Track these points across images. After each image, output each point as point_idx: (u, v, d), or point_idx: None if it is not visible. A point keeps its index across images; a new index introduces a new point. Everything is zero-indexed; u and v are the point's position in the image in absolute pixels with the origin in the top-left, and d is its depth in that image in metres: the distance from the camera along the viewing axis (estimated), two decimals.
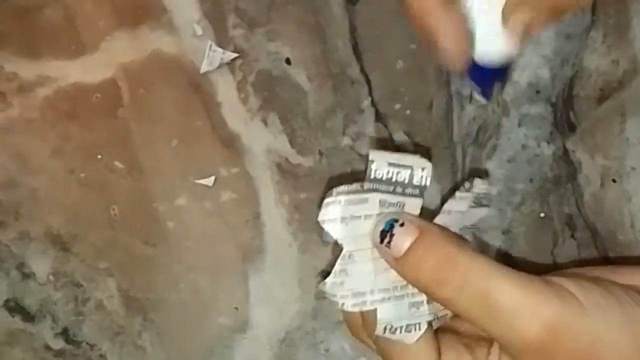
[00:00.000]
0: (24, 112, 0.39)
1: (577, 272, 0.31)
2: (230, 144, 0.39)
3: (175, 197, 0.39)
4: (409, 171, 0.30)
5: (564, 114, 0.38)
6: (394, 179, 0.30)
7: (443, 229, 0.30)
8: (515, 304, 0.27)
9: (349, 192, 0.30)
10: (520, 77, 0.38)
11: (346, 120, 0.39)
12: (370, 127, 0.39)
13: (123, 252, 0.39)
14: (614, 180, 0.38)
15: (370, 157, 0.30)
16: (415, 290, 0.30)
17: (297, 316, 0.39)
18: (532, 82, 0.38)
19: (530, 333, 0.27)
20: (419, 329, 0.30)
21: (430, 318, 0.31)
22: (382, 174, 0.30)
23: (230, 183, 0.39)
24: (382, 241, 0.29)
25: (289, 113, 0.39)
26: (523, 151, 0.39)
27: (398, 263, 0.29)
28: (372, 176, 0.30)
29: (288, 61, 0.39)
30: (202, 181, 0.39)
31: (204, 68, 0.39)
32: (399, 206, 0.30)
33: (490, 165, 0.39)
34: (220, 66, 0.39)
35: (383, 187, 0.30)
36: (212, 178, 0.39)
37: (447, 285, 0.28)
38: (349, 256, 0.30)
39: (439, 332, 0.32)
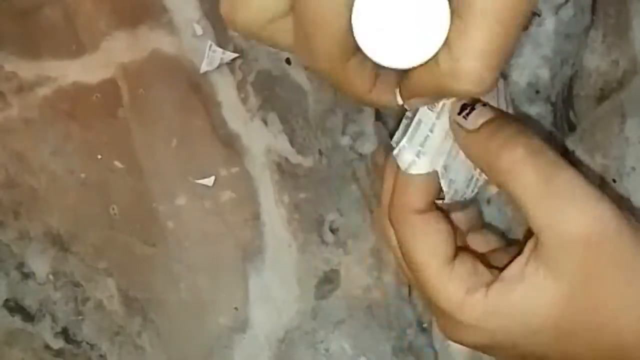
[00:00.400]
0: (23, 112, 0.39)
1: None
2: (230, 143, 0.39)
3: (175, 197, 0.39)
4: None
5: (564, 113, 0.38)
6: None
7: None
8: (576, 193, 0.27)
9: (403, 133, 0.31)
10: (519, 77, 0.38)
11: (346, 119, 0.39)
12: (370, 127, 0.39)
13: (123, 252, 0.39)
14: (614, 180, 0.38)
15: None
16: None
17: (297, 316, 0.39)
18: (531, 82, 0.38)
19: (581, 223, 0.27)
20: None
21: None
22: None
23: (230, 183, 0.39)
24: (460, 112, 0.30)
25: (289, 113, 0.39)
26: None
27: (471, 134, 0.29)
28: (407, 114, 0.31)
29: (288, 61, 0.39)
30: (201, 181, 0.39)
31: (203, 68, 0.39)
32: (444, 103, 0.31)
33: None
34: (220, 66, 0.39)
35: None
36: (212, 178, 0.39)
37: (516, 151, 0.27)
38: (445, 169, 0.31)
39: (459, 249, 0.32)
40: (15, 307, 0.39)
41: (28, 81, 0.39)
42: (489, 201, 0.39)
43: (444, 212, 0.32)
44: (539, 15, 0.38)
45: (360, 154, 0.39)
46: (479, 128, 0.29)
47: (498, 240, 0.35)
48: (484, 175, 0.32)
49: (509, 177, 0.28)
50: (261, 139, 0.39)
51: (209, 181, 0.39)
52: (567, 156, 0.39)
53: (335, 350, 0.39)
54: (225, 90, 0.39)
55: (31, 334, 0.39)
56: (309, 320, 0.39)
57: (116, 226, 0.39)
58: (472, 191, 0.33)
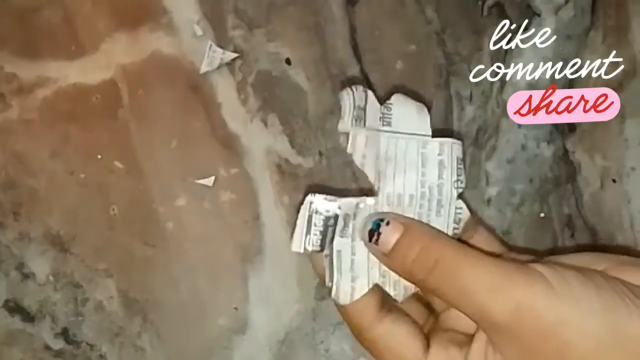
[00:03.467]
0: (23, 113, 0.39)
1: (562, 260, 0.32)
2: (230, 144, 0.39)
3: (175, 198, 0.39)
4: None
5: None
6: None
7: (423, 224, 0.32)
8: (482, 286, 0.28)
9: (330, 270, 0.32)
10: (520, 77, 0.38)
11: None
12: None
13: (122, 252, 0.39)
14: (613, 181, 0.38)
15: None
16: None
17: (297, 317, 0.39)
18: (532, 83, 0.38)
19: (496, 315, 0.28)
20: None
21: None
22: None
23: (229, 184, 0.39)
24: (370, 239, 0.31)
25: (289, 114, 0.39)
26: (522, 152, 0.39)
27: (387, 257, 0.31)
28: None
29: (288, 61, 0.39)
30: (201, 182, 0.39)
31: (203, 68, 0.39)
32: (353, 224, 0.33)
33: (489, 166, 0.39)
34: (219, 67, 0.39)
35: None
36: (212, 178, 0.39)
37: (426, 264, 0.29)
38: (384, 275, 0.32)
39: (431, 332, 0.33)
40: (15, 308, 0.39)
41: (28, 82, 0.39)
42: (489, 201, 0.39)
43: (401, 312, 0.33)
44: (539, 15, 0.38)
45: None
46: (392, 249, 0.30)
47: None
48: None
49: (431, 289, 0.30)
50: (261, 140, 0.39)
51: (209, 182, 0.39)
52: (567, 156, 0.39)
53: (336, 351, 0.39)
54: (225, 91, 0.39)
55: (31, 335, 0.39)
56: (309, 321, 0.39)
57: (116, 227, 0.39)
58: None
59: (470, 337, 0.31)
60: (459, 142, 0.33)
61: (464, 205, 0.33)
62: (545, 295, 0.27)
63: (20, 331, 0.39)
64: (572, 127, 0.39)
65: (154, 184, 0.39)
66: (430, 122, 0.33)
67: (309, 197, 0.32)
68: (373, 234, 0.31)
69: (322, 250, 0.32)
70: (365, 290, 0.32)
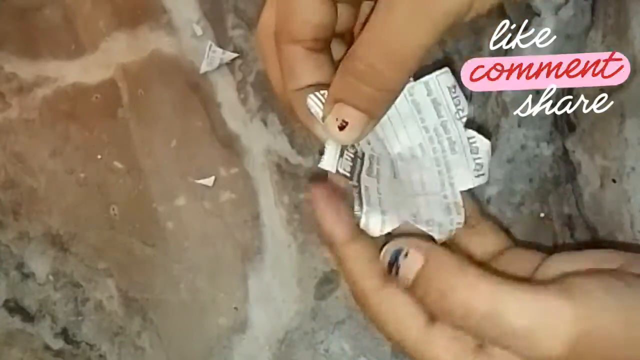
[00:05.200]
0: (23, 112, 0.39)
1: (577, 257, 0.30)
2: (230, 144, 0.39)
3: (175, 198, 0.39)
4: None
5: (564, 114, 0.38)
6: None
7: (447, 251, 0.29)
8: (529, 323, 0.26)
9: (359, 201, 0.31)
10: None
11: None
12: None
13: (122, 252, 0.39)
14: (613, 181, 0.38)
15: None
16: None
17: (297, 316, 0.39)
18: None
19: (552, 352, 0.26)
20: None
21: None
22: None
23: (229, 183, 0.39)
24: (390, 272, 0.29)
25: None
26: (522, 151, 0.39)
27: (409, 292, 0.29)
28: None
29: None
30: (201, 181, 0.39)
31: (203, 68, 0.39)
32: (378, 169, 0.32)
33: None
34: (219, 66, 0.39)
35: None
36: (212, 178, 0.39)
37: (453, 313, 0.27)
38: (415, 215, 0.31)
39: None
40: (15, 308, 0.39)
41: (28, 82, 0.39)
42: (488, 200, 0.39)
43: None
44: (539, 15, 0.38)
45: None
46: (413, 284, 0.28)
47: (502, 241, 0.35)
48: (458, 196, 0.32)
49: (462, 329, 0.28)
50: (261, 140, 0.39)
51: (209, 181, 0.39)
52: (567, 156, 0.39)
53: (335, 350, 0.39)
54: (225, 91, 0.39)
55: (31, 335, 0.39)
56: (309, 320, 0.39)
57: (116, 226, 0.39)
58: (458, 213, 0.32)
59: None
60: (443, 70, 0.31)
61: (475, 134, 0.31)
62: (597, 320, 0.26)
63: (20, 331, 0.39)
64: (572, 127, 0.39)
65: (154, 184, 0.39)
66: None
67: None
68: (392, 265, 0.29)
69: (351, 178, 0.31)
70: (396, 225, 0.30)
